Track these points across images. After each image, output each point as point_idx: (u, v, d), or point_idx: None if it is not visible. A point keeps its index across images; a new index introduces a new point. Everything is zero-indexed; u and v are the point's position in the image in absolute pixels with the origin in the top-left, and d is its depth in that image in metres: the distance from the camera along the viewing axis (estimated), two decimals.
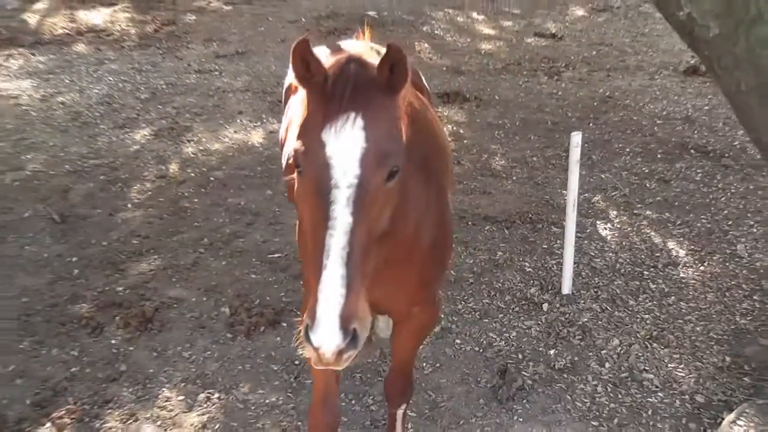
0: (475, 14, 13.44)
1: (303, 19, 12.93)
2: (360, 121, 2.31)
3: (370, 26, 3.16)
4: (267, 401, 4.99)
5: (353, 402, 4.97)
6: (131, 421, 4.85)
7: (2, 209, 7.26)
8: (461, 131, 8.87)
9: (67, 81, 10.34)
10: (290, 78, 4.34)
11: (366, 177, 2.28)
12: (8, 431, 4.75)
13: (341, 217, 2.25)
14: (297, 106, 2.75)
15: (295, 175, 2.51)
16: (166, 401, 5.00)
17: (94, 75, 10.52)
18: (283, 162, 4.21)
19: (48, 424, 4.83)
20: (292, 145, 2.50)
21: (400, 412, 4.19)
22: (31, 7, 13.29)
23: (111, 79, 10.42)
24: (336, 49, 3.35)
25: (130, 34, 12.17)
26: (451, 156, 3.98)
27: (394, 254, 2.91)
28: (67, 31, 12.30)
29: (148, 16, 13.04)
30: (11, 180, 7.80)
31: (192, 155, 8.47)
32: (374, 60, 2.46)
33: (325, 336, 2.19)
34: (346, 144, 2.29)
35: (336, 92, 2.36)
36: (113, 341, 5.52)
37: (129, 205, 7.28)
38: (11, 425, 4.79)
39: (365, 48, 2.87)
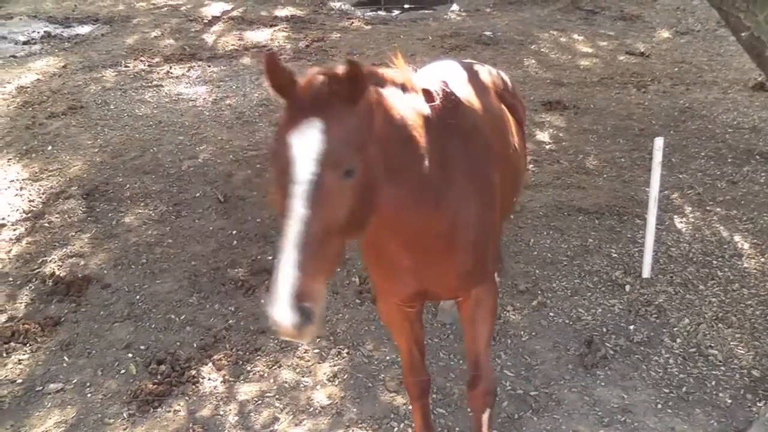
0: (575, 35, 13.10)
1: (429, 38, 12.83)
2: (318, 125, 2.28)
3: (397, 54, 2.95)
4: (387, 358, 5.01)
5: (461, 361, 4.93)
6: (275, 366, 4.95)
7: (180, 190, 7.49)
8: (561, 135, 8.68)
9: (233, 87, 10.55)
10: None
11: (320, 175, 2.25)
12: (179, 367, 4.95)
13: (296, 209, 2.23)
14: None
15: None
16: (304, 353, 5.08)
17: (256, 82, 10.69)
18: None
19: (210, 364, 5.00)
20: None
21: (485, 417, 3.75)
22: (209, 29, 13.67)
23: None
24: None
25: (286, 49, 12.31)
26: (513, 164, 3.74)
27: (431, 245, 3.01)
28: (235, 47, 12.55)
29: (301, 34, 13.16)
30: (187, 166, 8.02)
31: None
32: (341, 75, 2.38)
33: (280, 314, 2.19)
34: (304, 145, 2.28)
35: (302, 101, 2.35)
36: (262, 300, 5.59)
37: None
38: (182, 362, 5.01)
39: (402, 71, 2.86)
